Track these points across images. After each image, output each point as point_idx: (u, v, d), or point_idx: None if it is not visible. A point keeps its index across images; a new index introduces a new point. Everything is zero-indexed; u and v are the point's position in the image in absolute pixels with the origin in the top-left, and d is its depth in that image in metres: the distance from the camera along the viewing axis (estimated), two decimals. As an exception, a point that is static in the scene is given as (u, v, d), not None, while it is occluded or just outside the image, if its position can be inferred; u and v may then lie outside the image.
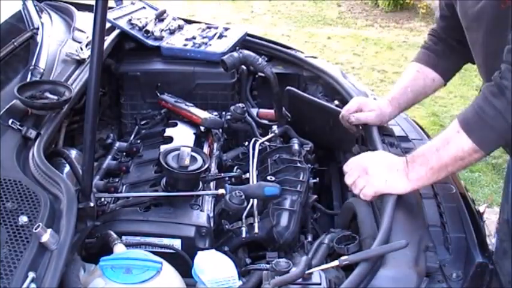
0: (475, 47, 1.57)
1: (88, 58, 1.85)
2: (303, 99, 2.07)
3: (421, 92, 1.79)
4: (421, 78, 1.78)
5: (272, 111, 2.03)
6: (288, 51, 2.36)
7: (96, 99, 1.30)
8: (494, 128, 1.31)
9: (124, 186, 1.64)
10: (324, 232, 1.69)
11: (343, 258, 1.24)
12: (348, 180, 1.48)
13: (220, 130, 1.96)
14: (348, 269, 1.24)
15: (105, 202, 1.56)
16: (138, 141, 1.87)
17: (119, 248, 1.28)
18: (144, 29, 2.23)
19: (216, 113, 2.00)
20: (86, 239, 1.34)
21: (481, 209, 1.88)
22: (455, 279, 1.28)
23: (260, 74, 2.21)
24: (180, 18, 2.46)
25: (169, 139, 1.83)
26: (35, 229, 1.11)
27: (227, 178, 1.73)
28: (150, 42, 2.21)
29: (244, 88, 2.25)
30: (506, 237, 1.77)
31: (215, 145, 1.89)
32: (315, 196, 1.77)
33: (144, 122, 2.04)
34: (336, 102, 2.06)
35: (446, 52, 1.78)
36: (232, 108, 1.99)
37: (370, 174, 1.44)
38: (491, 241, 2.74)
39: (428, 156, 1.38)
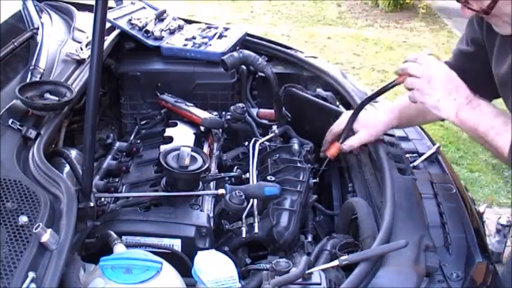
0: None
1: (88, 58, 1.85)
2: (302, 99, 2.07)
3: (422, 114, 1.67)
4: None
5: (272, 111, 2.03)
6: (288, 51, 2.36)
7: (96, 99, 1.31)
8: None
9: (124, 186, 1.64)
10: (324, 232, 1.69)
11: (343, 258, 1.24)
12: (411, 70, 1.43)
13: (220, 130, 1.96)
14: (348, 269, 1.25)
15: (105, 202, 1.56)
16: (138, 141, 1.87)
17: (119, 248, 1.28)
18: (144, 29, 2.23)
19: (216, 113, 2.00)
20: (86, 239, 1.34)
21: (481, 209, 1.88)
22: (455, 279, 1.29)
23: (260, 74, 2.21)
24: (180, 18, 2.45)
25: (169, 139, 1.83)
26: (35, 229, 1.11)
27: (227, 178, 1.73)
28: (150, 42, 2.21)
29: (244, 88, 2.25)
30: None
31: (215, 145, 1.89)
32: (315, 196, 1.77)
33: (144, 122, 2.04)
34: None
35: None
36: (232, 108, 1.99)
37: (430, 85, 1.40)
38: (491, 241, 2.75)
39: (485, 122, 1.36)
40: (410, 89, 1.45)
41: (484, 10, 1.31)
